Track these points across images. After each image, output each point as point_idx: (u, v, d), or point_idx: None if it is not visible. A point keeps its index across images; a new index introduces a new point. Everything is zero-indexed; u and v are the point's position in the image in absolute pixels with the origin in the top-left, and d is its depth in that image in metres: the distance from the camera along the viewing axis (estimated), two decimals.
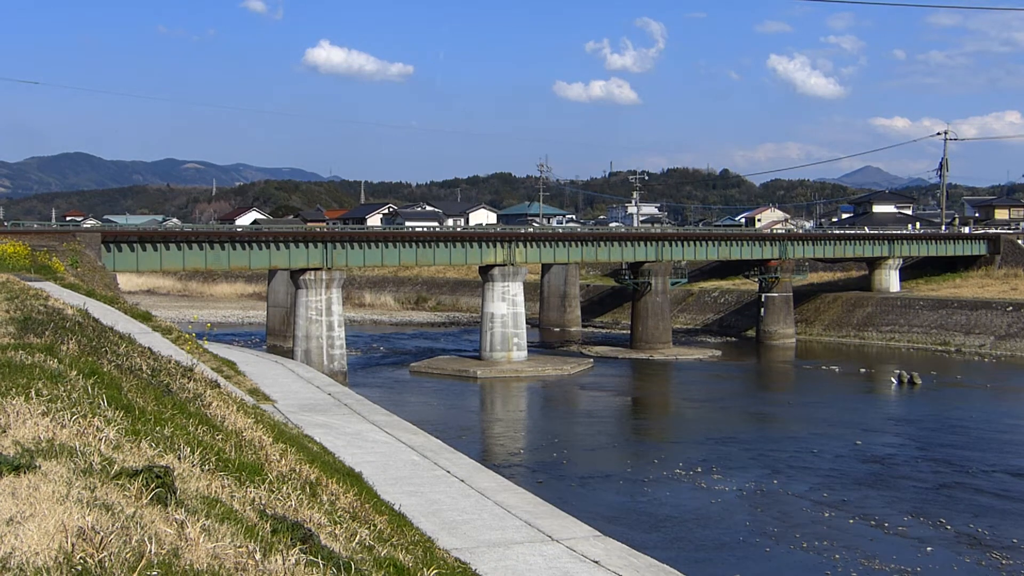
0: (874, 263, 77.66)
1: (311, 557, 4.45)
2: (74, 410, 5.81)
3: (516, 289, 58.46)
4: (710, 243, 70.06)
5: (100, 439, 5.34)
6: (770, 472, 31.85)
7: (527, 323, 61.86)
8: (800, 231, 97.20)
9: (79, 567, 3.45)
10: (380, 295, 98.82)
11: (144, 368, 9.62)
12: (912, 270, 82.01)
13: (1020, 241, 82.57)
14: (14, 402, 5.70)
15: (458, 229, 78.86)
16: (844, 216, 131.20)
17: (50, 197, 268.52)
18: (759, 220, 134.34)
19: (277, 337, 67.54)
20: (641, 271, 65.91)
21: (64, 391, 6.35)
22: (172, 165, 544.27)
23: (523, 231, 65.06)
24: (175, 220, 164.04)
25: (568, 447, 35.64)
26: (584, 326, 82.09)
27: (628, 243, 65.37)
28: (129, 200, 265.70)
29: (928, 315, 69.95)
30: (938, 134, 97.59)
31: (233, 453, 6.67)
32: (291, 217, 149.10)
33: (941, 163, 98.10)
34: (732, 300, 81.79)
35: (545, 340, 73.66)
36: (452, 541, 8.67)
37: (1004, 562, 23.03)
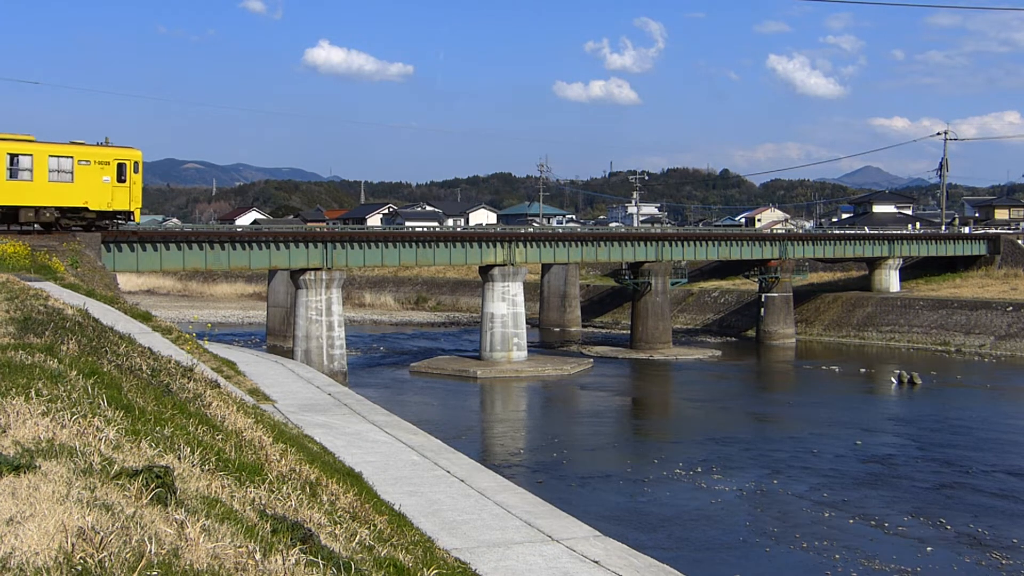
0: (874, 263, 77.66)
1: (311, 557, 4.45)
2: (74, 410, 5.81)
3: (516, 289, 58.45)
4: (710, 243, 70.06)
5: (100, 439, 5.34)
6: (770, 472, 31.85)
7: (527, 323, 61.85)
8: (800, 231, 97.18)
9: (79, 567, 3.45)
10: (380, 295, 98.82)
11: (144, 368, 9.62)
12: (912, 270, 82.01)
13: (1020, 241, 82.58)
14: (14, 402, 5.70)
15: (458, 229, 78.84)
16: (844, 216, 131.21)
17: None
18: (759, 220, 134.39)
19: (277, 337, 67.54)
20: (641, 271, 65.90)
21: (64, 391, 6.35)
22: (172, 165, 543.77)
23: (523, 231, 65.04)
24: (175, 220, 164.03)
25: (568, 447, 35.64)
26: (584, 326, 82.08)
27: (628, 243, 65.36)
28: None
29: (928, 315, 69.95)
30: (938, 134, 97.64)
31: (233, 453, 6.67)
32: (291, 217, 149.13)
33: (941, 163, 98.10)
34: (732, 300, 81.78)
35: (545, 340, 73.65)
36: (452, 541, 8.67)
37: (1004, 562, 23.03)
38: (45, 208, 40.13)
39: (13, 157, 38.90)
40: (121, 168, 41.62)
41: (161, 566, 3.62)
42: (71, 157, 40.44)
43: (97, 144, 41.85)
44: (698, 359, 62.34)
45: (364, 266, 68.28)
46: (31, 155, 39.48)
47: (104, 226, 42.41)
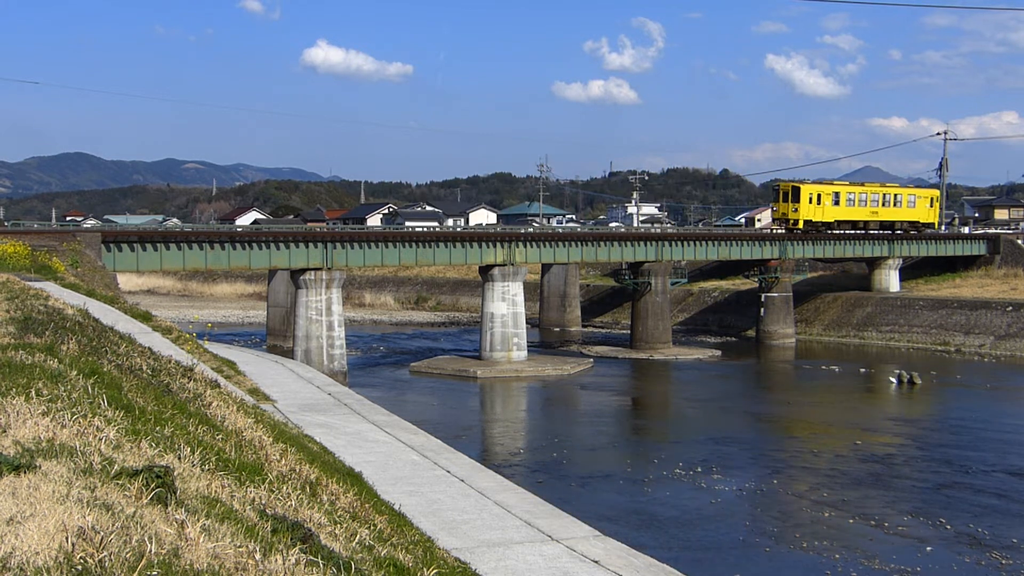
0: (874, 263, 77.61)
1: (311, 557, 4.45)
2: (74, 410, 5.81)
3: (516, 289, 58.42)
4: (710, 243, 70.03)
5: (100, 439, 5.34)
6: (770, 472, 31.85)
7: (527, 323, 61.83)
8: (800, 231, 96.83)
9: (79, 567, 3.45)
10: (380, 295, 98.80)
11: (144, 368, 9.62)
12: (912, 270, 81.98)
13: (1020, 241, 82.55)
14: (14, 402, 5.70)
15: (458, 229, 78.80)
16: None
17: (50, 197, 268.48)
18: (759, 220, 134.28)
19: (277, 337, 67.53)
20: (641, 271, 65.89)
21: (64, 391, 6.35)
22: (172, 165, 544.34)
23: (523, 231, 65.02)
24: (175, 220, 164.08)
25: (568, 447, 35.63)
26: (584, 326, 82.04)
27: (628, 243, 65.34)
28: (129, 200, 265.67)
29: (928, 315, 69.92)
30: (937, 134, 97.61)
31: (233, 453, 6.67)
32: (291, 217, 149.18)
33: (941, 163, 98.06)
34: (732, 300, 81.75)
35: (545, 340, 73.63)
36: (452, 541, 8.68)
37: (1004, 562, 23.03)
38: (901, 222, 78.36)
39: (895, 196, 77.89)
40: (932, 200, 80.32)
41: (161, 566, 3.62)
42: (914, 195, 79.53)
43: (915, 186, 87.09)
44: (698, 359, 62.34)
45: (364, 266, 68.26)
46: (899, 195, 78.51)
47: (921, 231, 78.88)
